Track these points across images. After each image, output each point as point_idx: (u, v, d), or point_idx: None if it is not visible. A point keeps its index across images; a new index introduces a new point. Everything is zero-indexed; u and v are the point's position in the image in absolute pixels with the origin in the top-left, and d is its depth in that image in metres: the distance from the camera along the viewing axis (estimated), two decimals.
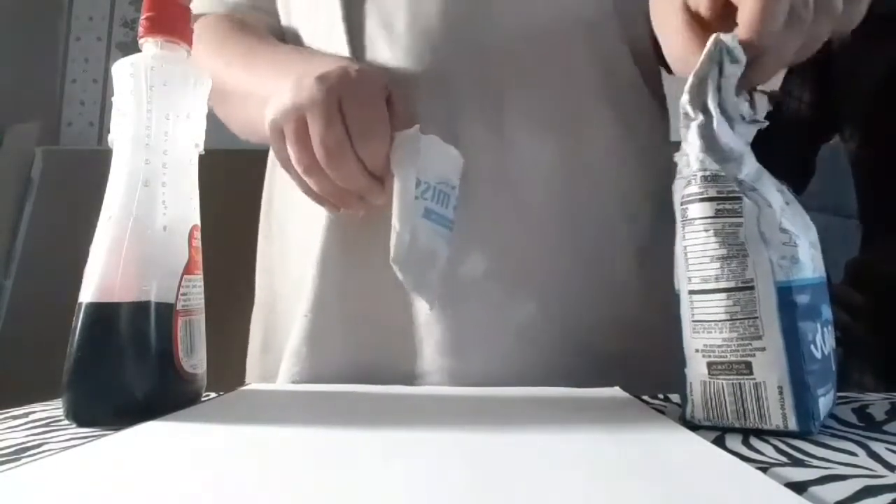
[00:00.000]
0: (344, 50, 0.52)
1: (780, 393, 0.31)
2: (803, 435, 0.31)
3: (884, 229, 0.74)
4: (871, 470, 0.25)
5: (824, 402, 0.32)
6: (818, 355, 0.32)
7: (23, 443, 0.30)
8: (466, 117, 0.51)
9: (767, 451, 0.29)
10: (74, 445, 0.29)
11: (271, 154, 0.61)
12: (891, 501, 0.22)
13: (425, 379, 0.51)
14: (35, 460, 0.26)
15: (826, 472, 0.25)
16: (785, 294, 0.32)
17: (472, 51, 0.51)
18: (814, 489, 0.23)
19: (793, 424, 0.31)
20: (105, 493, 0.22)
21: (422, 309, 0.50)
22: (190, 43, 0.40)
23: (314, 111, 0.43)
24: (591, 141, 0.53)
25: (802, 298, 0.32)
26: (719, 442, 0.31)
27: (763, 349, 0.32)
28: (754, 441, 0.31)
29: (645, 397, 0.42)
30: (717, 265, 0.33)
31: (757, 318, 0.32)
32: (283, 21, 0.61)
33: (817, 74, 0.78)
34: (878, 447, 0.29)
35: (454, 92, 0.51)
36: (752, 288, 0.32)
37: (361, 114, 0.44)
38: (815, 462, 0.27)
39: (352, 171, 0.44)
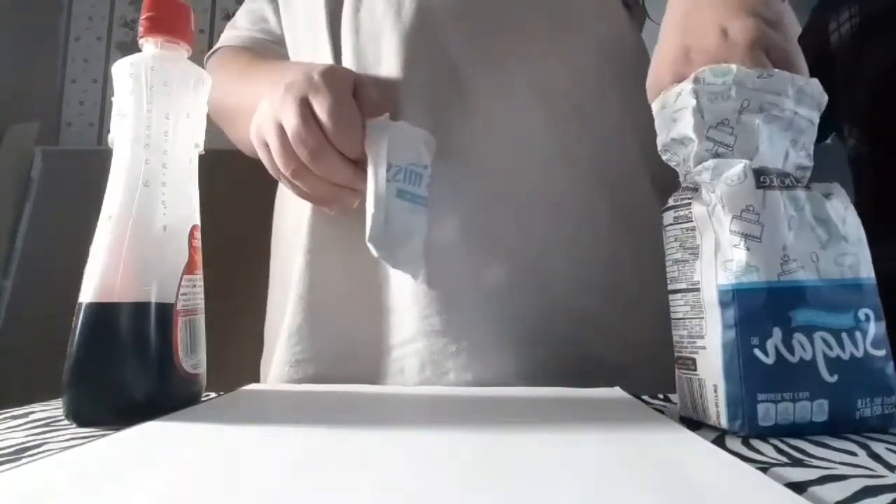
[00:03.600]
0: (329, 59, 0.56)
1: (715, 391, 0.32)
2: (739, 435, 0.32)
3: (883, 228, 0.74)
4: (871, 470, 0.25)
5: (785, 409, 0.31)
6: (768, 360, 0.31)
7: (23, 443, 0.30)
8: (437, 106, 0.52)
9: (767, 451, 0.29)
10: (74, 445, 0.29)
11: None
12: (891, 501, 0.22)
13: (413, 345, 0.51)
14: (35, 460, 0.26)
15: (826, 472, 0.25)
16: (726, 296, 0.32)
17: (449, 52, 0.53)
18: (814, 489, 0.23)
19: (724, 422, 0.32)
20: (105, 493, 0.22)
21: (398, 283, 0.52)
22: (190, 43, 0.40)
23: (287, 116, 0.46)
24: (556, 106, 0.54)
25: (751, 301, 0.31)
26: (719, 442, 0.31)
27: (704, 348, 0.33)
28: (754, 441, 0.31)
29: (645, 397, 0.43)
30: (676, 268, 0.35)
31: (703, 318, 0.33)
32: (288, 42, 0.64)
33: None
34: (878, 447, 0.29)
35: (429, 89, 0.53)
36: (698, 290, 0.34)
37: (330, 108, 0.45)
38: (815, 462, 0.27)
39: (335, 165, 0.47)
